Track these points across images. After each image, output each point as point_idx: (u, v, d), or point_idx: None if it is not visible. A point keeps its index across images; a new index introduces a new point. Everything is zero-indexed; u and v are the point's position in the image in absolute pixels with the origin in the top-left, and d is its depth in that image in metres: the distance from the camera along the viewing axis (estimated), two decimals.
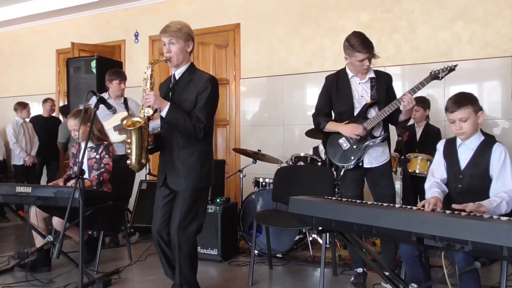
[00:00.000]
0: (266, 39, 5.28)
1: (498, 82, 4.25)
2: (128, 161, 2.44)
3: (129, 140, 2.41)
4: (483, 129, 2.56)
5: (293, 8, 5.13)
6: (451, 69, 2.76)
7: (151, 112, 2.43)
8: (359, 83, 2.94)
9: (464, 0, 4.33)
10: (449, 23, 4.40)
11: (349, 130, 2.87)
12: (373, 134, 2.91)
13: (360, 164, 2.92)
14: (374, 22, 4.67)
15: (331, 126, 2.97)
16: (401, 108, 2.83)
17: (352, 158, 2.90)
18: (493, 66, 4.20)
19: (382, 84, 2.92)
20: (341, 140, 2.94)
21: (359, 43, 2.80)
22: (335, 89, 2.97)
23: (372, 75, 2.95)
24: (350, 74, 2.96)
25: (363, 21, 4.74)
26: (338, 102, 2.97)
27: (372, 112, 2.91)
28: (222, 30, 5.53)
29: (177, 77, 2.59)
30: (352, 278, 3.02)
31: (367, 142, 2.89)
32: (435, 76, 2.77)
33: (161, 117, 2.47)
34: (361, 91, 2.93)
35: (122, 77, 4.27)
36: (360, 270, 3.00)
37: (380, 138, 2.90)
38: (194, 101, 2.50)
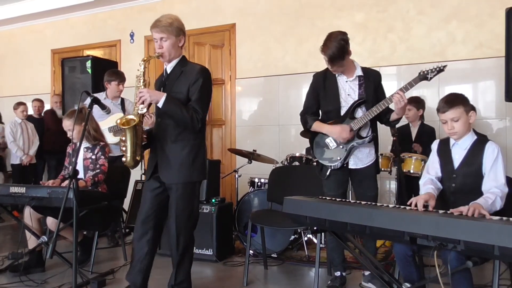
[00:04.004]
0: (261, 39, 5.28)
1: (492, 82, 4.26)
2: (123, 159, 2.46)
3: (124, 138, 2.43)
4: (477, 129, 2.57)
5: (289, 7, 5.13)
6: (440, 70, 2.68)
7: (145, 110, 2.43)
8: (346, 81, 2.87)
9: (458, 0, 4.35)
10: (443, 23, 4.41)
11: (337, 132, 2.82)
12: (360, 134, 2.84)
13: (345, 165, 2.87)
14: (369, 22, 4.68)
15: (316, 126, 2.92)
16: (393, 106, 2.76)
17: (339, 158, 2.85)
18: (487, 66, 4.21)
19: (370, 83, 2.86)
20: (328, 140, 2.90)
21: (322, 44, 2.78)
22: (322, 88, 2.91)
23: (360, 73, 2.87)
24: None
25: (358, 21, 4.74)
26: (325, 100, 2.91)
27: (359, 112, 2.84)
28: (217, 30, 5.53)
29: (168, 71, 2.60)
30: (329, 282, 2.99)
31: (354, 143, 2.83)
32: (423, 76, 2.68)
33: (158, 108, 2.46)
34: (348, 90, 2.86)
35: (121, 79, 4.28)
36: (338, 273, 2.99)
37: (367, 138, 2.83)
38: (186, 93, 2.50)
